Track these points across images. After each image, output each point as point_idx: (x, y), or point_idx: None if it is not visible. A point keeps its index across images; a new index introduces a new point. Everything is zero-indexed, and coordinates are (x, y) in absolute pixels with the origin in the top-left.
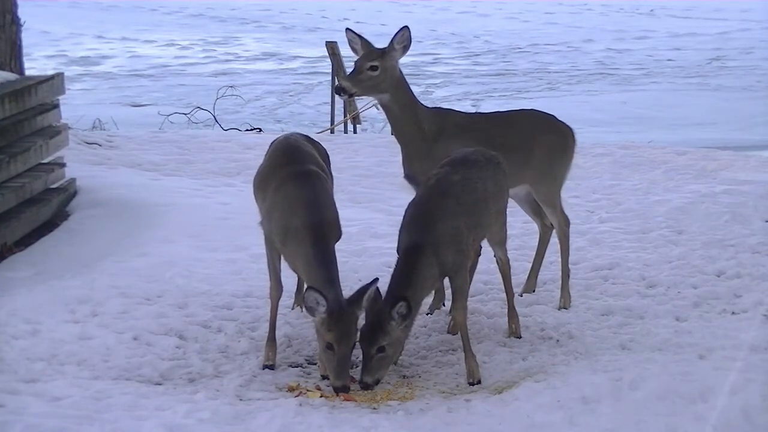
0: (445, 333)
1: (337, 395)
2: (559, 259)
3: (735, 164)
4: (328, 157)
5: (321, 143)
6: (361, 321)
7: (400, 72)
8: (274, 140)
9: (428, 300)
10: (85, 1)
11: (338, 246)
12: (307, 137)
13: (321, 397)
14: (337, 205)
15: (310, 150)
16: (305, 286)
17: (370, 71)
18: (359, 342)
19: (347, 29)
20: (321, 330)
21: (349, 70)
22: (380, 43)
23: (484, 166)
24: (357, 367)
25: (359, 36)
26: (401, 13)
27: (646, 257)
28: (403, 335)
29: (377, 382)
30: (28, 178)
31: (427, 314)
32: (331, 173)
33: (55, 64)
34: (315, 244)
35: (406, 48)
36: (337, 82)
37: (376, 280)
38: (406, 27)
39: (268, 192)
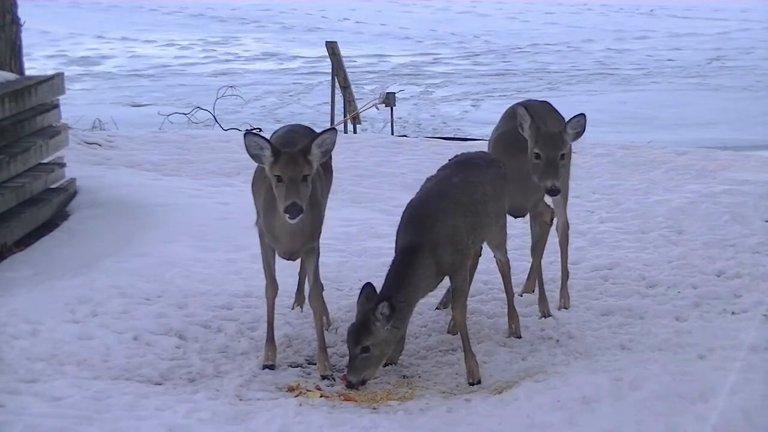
0: (445, 333)
1: (288, 217)
2: (559, 260)
3: (735, 164)
4: None
5: None
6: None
7: None
8: (275, 132)
9: (439, 294)
10: (85, 1)
11: (338, 246)
12: (310, 130)
13: (321, 397)
14: (336, 205)
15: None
16: (305, 286)
17: (562, 159)
18: (346, 341)
19: (518, 106)
20: (270, 174)
21: (348, 72)
22: (381, 43)
23: (485, 169)
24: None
25: (531, 115)
26: (401, 13)
27: (646, 257)
28: (391, 336)
29: (363, 381)
30: (28, 178)
31: (436, 309)
32: (330, 168)
33: (55, 64)
34: None
35: (578, 134)
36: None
37: (368, 283)
38: (582, 115)
39: (261, 190)
